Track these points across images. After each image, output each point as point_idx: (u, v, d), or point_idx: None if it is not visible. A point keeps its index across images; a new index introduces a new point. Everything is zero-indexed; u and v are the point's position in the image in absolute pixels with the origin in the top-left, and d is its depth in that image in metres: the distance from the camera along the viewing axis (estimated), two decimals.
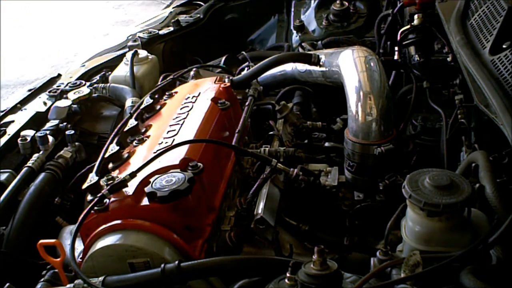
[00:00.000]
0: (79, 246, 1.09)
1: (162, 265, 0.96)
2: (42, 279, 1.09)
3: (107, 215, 1.05)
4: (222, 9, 2.58)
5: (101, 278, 0.98)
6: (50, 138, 1.57)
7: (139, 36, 2.16)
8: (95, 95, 1.81)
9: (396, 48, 1.76)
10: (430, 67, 1.67)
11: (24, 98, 1.84)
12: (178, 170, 1.10)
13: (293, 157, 1.35)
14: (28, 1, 6.27)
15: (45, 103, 1.80)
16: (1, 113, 1.75)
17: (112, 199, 1.06)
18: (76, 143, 1.59)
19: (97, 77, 1.97)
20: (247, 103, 1.52)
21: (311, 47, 2.16)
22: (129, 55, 1.93)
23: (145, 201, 1.05)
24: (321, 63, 1.53)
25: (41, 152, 1.52)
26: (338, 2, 2.33)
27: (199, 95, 1.46)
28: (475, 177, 0.99)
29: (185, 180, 1.04)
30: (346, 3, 2.33)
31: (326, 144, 1.57)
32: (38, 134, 1.55)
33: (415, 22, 1.71)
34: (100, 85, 1.86)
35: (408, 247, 0.91)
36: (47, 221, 1.36)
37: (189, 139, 1.21)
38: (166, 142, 1.22)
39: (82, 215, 1.04)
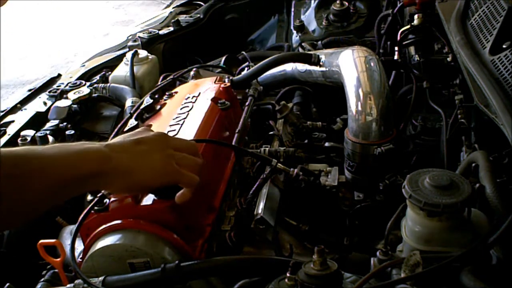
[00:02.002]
0: (79, 246, 1.09)
1: (162, 265, 0.96)
2: (42, 279, 1.09)
3: (107, 215, 1.05)
4: (222, 9, 2.58)
5: (101, 278, 0.98)
6: (50, 138, 1.57)
7: (139, 36, 2.16)
8: (95, 95, 1.81)
9: (396, 48, 1.76)
10: (430, 67, 1.67)
11: (24, 98, 1.84)
12: None
13: (293, 157, 1.35)
14: (28, 1, 6.28)
15: (45, 103, 1.80)
16: (1, 113, 1.75)
17: (112, 199, 1.06)
18: None
19: (97, 77, 1.97)
20: (247, 103, 1.52)
21: (311, 47, 2.16)
22: (129, 55, 1.93)
23: (145, 201, 1.05)
24: (321, 63, 1.53)
25: None
26: (338, 2, 2.32)
27: (199, 95, 1.46)
28: (475, 177, 0.99)
29: None
30: (346, 3, 2.33)
31: (326, 144, 1.57)
32: (38, 134, 1.55)
33: (415, 22, 1.71)
34: (100, 85, 1.86)
35: (408, 247, 0.91)
36: (47, 221, 1.36)
37: (189, 139, 1.21)
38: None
39: (82, 215, 1.04)
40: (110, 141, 0.98)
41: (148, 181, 0.98)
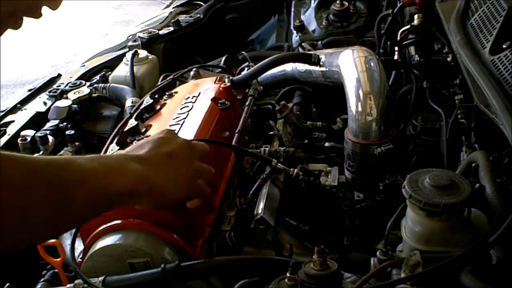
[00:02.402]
0: (79, 246, 1.09)
1: (162, 265, 0.96)
2: (42, 279, 1.09)
3: (107, 215, 1.04)
4: (222, 9, 2.57)
5: (101, 278, 0.98)
6: (50, 138, 1.57)
7: (139, 36, 2.16)
8: (95, 95, 1.81)
9: (396, 48, 1.76)
10: (430, 67, 1.67)
11: (24, 98, 1.84)
12: None
13: (293, 157, 1.35)
14: None
15: (45, 103, 1.80)
16: (1, 113, 1.75)
17: None
18: (76, 143, 1.59)
19: (97, 77, 1.97)
20: (247, 103, 1.52)
21: (311, 47, 2.16)
22: (129, 55, 1.93)
23: None
24: (321, 63, 1.53)
25: (41, 152, 1.52)
26: (338, 2, 2.33)
27: (199, 95, 1.46)
28: (475, 177, 0.99)
29: None
30: (346, 3, 2.33)
31: (326, 144, 1.57)
32: (38, 134, 1.55)
33: (415, 22, 1.71)
34: (100, 85, 1.86)
35: (408, 247, 0.91)
36: None
37: (189, 139, 1.21)
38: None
39: None
40: (143, 153, 0.95)
41: (179, 199, 0.99)
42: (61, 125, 1.65)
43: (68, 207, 0.81)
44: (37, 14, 0.77)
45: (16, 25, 0.77)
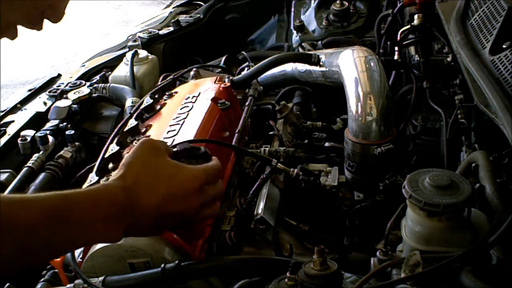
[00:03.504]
0: None
1: (162, 265, 0.96)
2: (42, 279, 1.09)
3: None
4: (222, 9, 2.58)
5: (101, 278, 0.98)
6: (50, 138, 1.57)
7: (139, 36, 2.16)
8: (95, 95, 1.82)
9: (396, 48, 1.76)
10: (430, 67, 1.67)
11: (24, 98, 1.85)
12: None
13: (293, 157, 1.35)
14: None
15: (45, 103, 1.80)
16: (1, 113, 1.75)
17: None
18: (76, 143, 1.59)
19: (97, 77, 1.97)
20: (247, 103, 1.52)
21: (311, 47, 2.16)
22: (129, 55, 1.93)
23: None
24: (321, 63, 1.53)
25: (41, 152, 1.52)
26: (338, 2, 2.33)
27: (199, 95, 1.46)
28: (475, 177, 0.99)
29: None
30: (346, 3, 2.33)
31: (326, 144, 1.57)
32: (38, 134, 1.55)
33: (415, 22, 1.71)
34: (100, 85, 1.86)
35: (408, 247, 0.91)
36: None
37: (189, 139, 1.21)
38: (166, 142, 1.22)
39: None
40: (151, 195, 0.87)
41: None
42: (61, 125, 1.65)
43: (49, 248, 0.80)
44: (38, 26, 0.76)
45: (14, 35, 0.76)
